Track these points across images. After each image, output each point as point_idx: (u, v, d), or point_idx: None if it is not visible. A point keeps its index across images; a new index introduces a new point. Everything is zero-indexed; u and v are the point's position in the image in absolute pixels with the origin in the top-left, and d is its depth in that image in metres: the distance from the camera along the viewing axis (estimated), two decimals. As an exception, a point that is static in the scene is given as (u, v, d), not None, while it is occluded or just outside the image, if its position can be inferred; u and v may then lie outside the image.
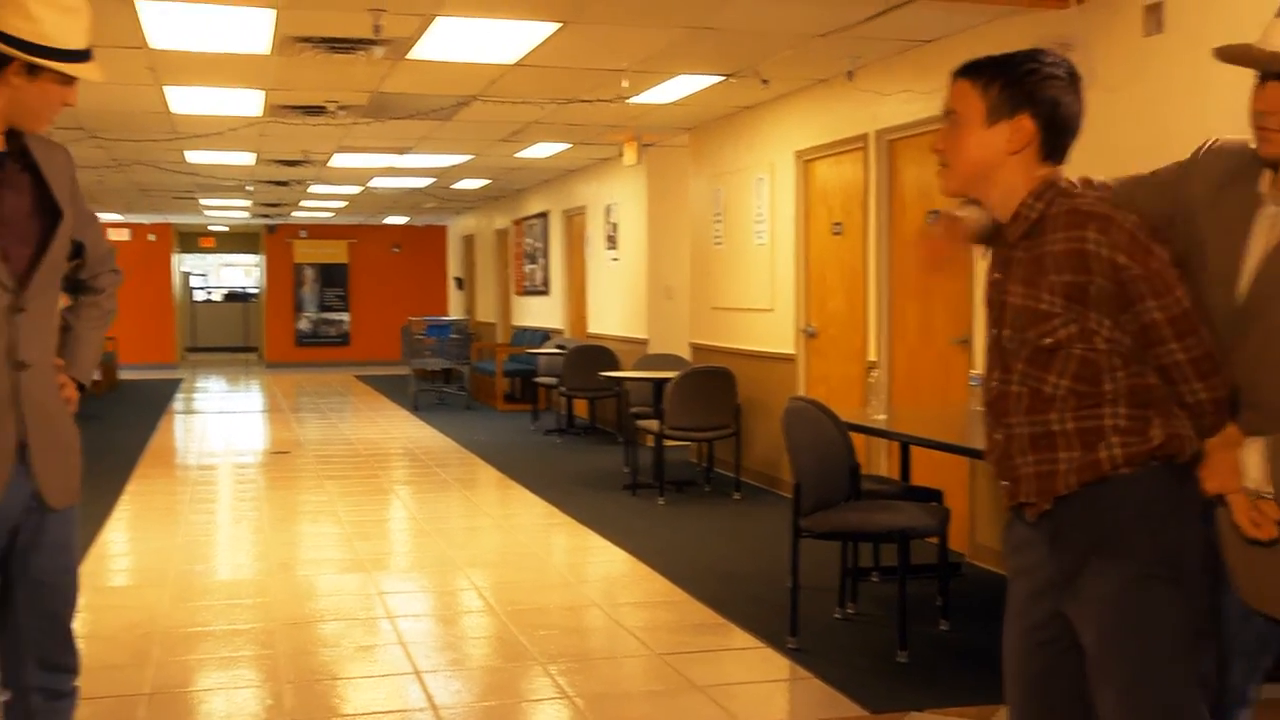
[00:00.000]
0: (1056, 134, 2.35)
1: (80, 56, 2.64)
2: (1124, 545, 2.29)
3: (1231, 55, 2.34)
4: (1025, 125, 2.33)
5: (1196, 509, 2.31)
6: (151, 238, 22.56)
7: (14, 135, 2.69)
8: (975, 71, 2.38)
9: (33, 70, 2.58)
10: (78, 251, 2.90)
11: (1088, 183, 2.49)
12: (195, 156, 12.10)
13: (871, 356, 7.53)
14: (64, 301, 2.87)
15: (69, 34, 2.60)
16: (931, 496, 5.52)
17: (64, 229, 2.73)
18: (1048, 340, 2.31)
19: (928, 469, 6.41)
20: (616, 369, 11.12)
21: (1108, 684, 2.31)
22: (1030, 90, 2.33)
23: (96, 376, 2.84)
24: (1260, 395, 2.30)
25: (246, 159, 12.45)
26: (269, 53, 7.11)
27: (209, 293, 28.74)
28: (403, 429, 13.15)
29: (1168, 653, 2.27)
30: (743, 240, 9.42)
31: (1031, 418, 2.36)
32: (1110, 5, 5.39)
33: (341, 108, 9.06)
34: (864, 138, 7.59)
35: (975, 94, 2.37)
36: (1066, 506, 2.33)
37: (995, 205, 2.43)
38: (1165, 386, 2.29)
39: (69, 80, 2.64)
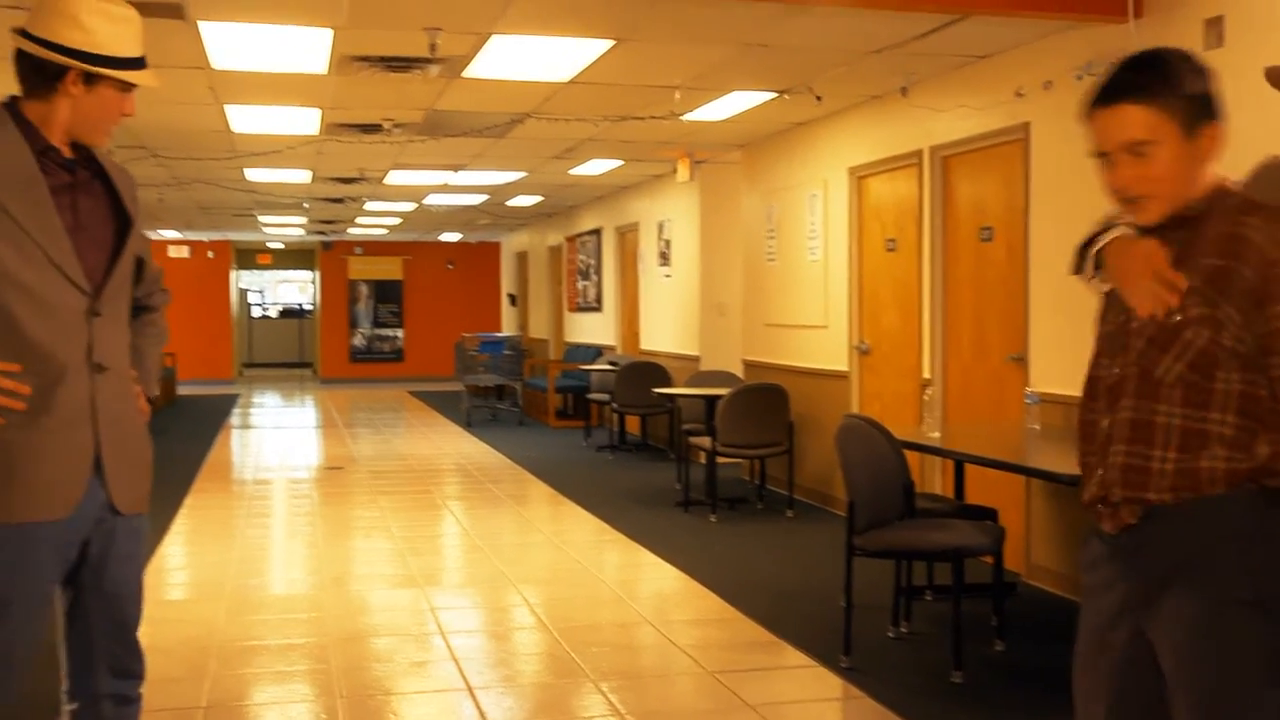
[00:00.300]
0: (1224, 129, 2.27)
1: (135, 64, 2.69)
2: (1210, 568, 2.19)
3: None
4: (1217, 131, 2.24)
5: None
6: (210, 255, 22.90)
7: (80, 148, 2.74)
8: (1144, 92, 2.21)
9: (90, 79, 2.63)
10: (138, 270, 2.95)
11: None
12: (254, 174, 12.26)
13: (925, 374, 7.48)
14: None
15: (122, 42, 2.66)
16: (986, 515, 5.47)
17: (135, 235, 2.78)
18: (1177, 317, 2.19)
19: (982, 487, 6.35)
20: (669, 385, 11.12)
21: (1184, 712, 2.23)
22: (1208, 95, 2.24)
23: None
24: None
25: (303, 176, 12.60)
26: (326, 72, 7.20)
27: (265, 309, 29.08)
28: (456, 445, 13.22)
29: (1249, 683, 2.17)
30: (796, 257, 9.40)
31: (1137, 402, 2.25)
32: (1169, 19, 5.33)
33: (397, 126, 9.15)
34: (918, 154, 7.56)
35: (1157, 115, 2.21)
36: (1153, 522, 2.24)
37: (1165, 213, 2.27)
38: (1273, 402, 2.16)
39: (126, 89, 2.70)
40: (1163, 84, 2.22)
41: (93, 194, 2.74)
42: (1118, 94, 2.23)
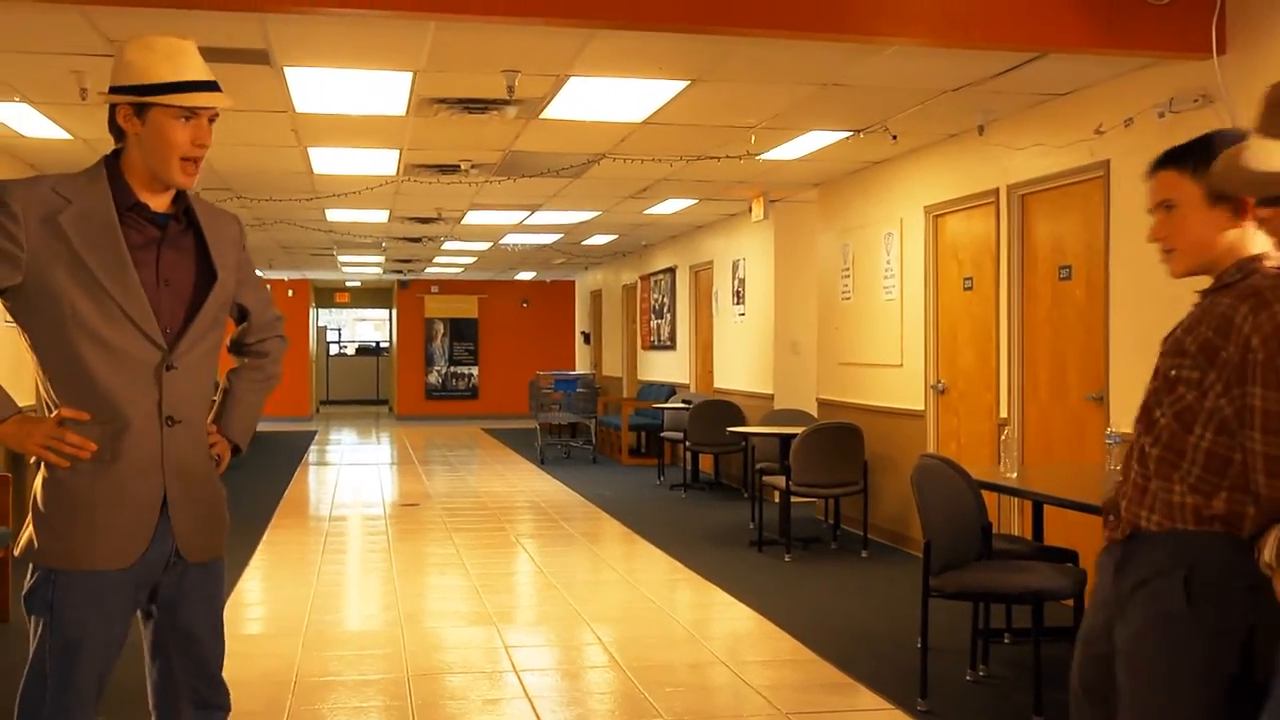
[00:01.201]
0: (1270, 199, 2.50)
1: (180, 88, 2.68)
2: (1171, 588, 2.50)
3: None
4: (1239, 203, 2.52)
5: (1248, 580, 2.40)
6: (290, 293, 23.29)
7: (181, 198, 2.81)
8: (1181, 159, 2.59)
9: (140, 111, 2.69)
10: (243, 315, 3.00)
11: None
12: (334, 214, 12.47)
13: (1003, 413, 7.39)
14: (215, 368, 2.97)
15: (160, 69, 2.68)
16: (1066, 557, 5.38)
17: (218, 290, 2.82)
18: (1174, 373, 2.55)
19: (1062, 529, 6.25)
20: (742, 424, 11.09)
21: (1123, 710, 2.58)
22: None
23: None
24: None
25: (381, 217, 12.78)
26: (405, 114, 7.32)
27: (342, 347, 29.47)
28: (529, 482, 13.27)
29: (1176, 695, 2.49)
30: (871, 295, 9.36)
31: (1143, 433, 2.63)
32: (1253, 55, 5.26)
33: (475, 166, 9.27)
34: (995, 192, 7.51)
35: (1188, 181, 2.57)
36: (1135, 542, 2.60)
37: (1210, 271, 2.63)
38: (1243, 466, 2.45)
39: (182, 115, 2.70)
40: (1198, 155, 2.56)
41: (180, 248, 2.79)
42: (1162, 161, 2.64)
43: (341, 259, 18.56)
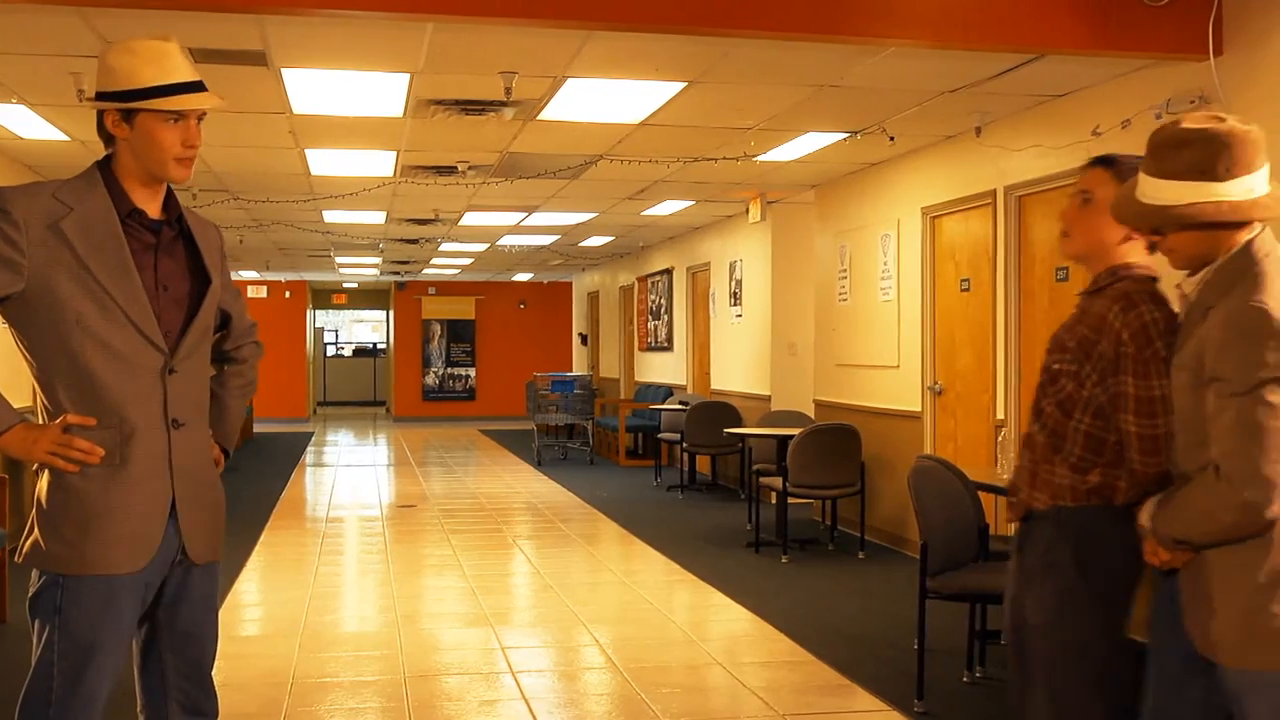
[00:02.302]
0: None
1: (165, 91, 2.69)
2: (1063, 562, 2.86)
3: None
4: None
5: (1128, 545, 2.74)
6: (287, 295, 23.27)
7: (171, 206, 2.82)
8: (1113, 165, 2.90)
9: (127, 116, 2.69)
10: (224, 323, 3.01)
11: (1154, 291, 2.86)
12: (331, 216, 12.46)
13: (1000, 415, 7.39)
14: (210, 372, 2.99)
15: (143, 74, 2.68)
16: (1064, 559, 5.38)
17: (213, 294, 2.84)
18: (1056, 366, 2.92)
19: (1060, 531, 6.25)
20: (739, 425, 11.09)
21: (1033, 666, 2.92)
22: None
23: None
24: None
25: (379, 218, 12.77)
26: (403, 115, 7.32)
27: (339, 348, 29.45)
28: (526, 483, 13.27)
29: (1075, 652, 2.86)
30: (868, 297, 9.36)
31: (1032, 423, 2.98)
32: (1249, 56, 5.26)
33: (472, 168, 9.27)
34: (992, 194, 7.51)
35: (1111, 185, 2.83)
36: (1030, 522, 2.96)
37: (1091, 271, 2.97)
38: (1118, 446, 2.79)
39: (175, 118, 2.70)
40: (1127, 168, 2.81)
41: (174, 254, 2.81)
42: (1099, 161, 2.97)
43: (339, 260, 18.55)
